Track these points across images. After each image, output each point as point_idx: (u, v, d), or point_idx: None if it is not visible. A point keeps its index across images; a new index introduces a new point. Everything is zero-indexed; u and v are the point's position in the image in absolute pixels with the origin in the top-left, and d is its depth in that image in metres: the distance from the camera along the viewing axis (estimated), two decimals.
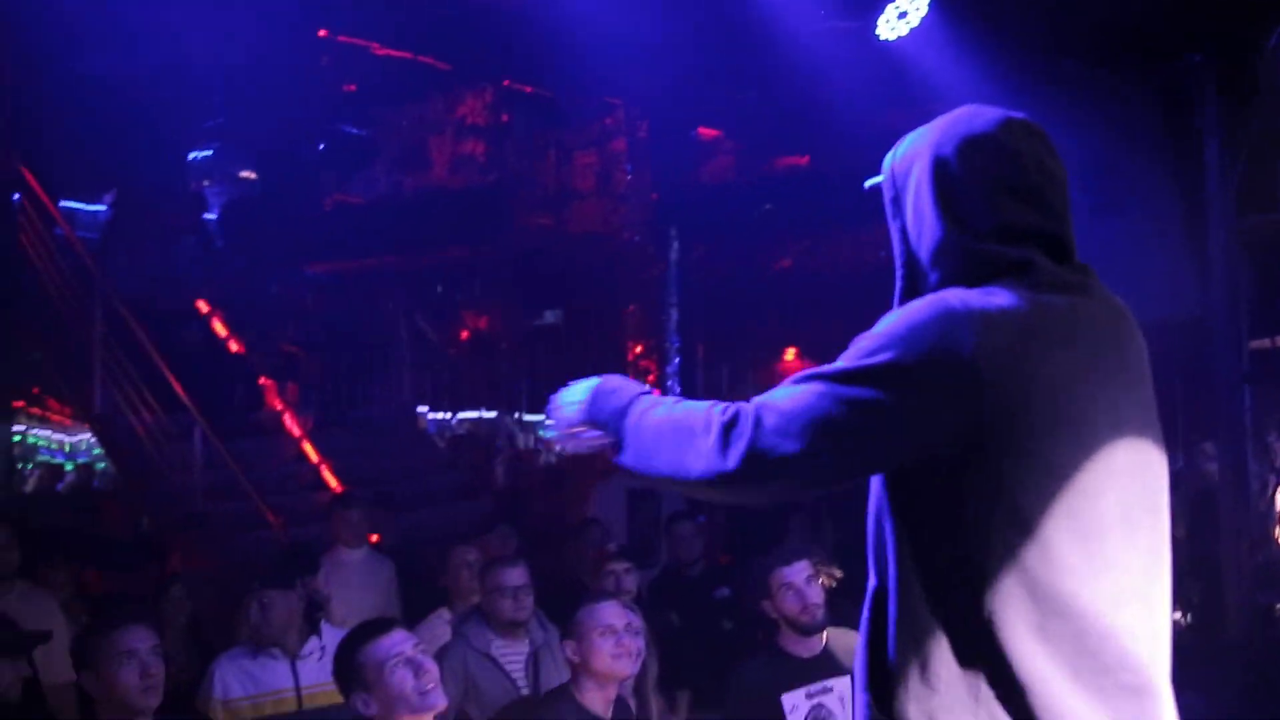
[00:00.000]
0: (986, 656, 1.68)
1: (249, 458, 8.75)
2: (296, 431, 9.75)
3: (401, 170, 12.94)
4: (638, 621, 4.23)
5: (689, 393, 9.85)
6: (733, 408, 1.73)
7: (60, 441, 13.19)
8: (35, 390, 11.35)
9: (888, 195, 1.95)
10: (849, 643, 4.06)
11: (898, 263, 1.95)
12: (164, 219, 10.23)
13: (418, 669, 2.91)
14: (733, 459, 1.69)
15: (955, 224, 1.84)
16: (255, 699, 4.00)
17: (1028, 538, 1.68)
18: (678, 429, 1.76)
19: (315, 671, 4.09)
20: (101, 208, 11.72)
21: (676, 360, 9.68)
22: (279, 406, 9.96)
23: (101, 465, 11.77)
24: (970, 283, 1.79)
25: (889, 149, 1.99)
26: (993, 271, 1.80)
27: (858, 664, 1.85)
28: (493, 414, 13.21)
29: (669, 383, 9.80)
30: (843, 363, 1.73)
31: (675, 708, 4.94)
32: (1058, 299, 1.78)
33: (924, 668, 1.72)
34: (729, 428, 1.71)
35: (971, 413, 1.67)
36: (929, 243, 1.88)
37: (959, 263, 1.84)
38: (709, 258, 10.88)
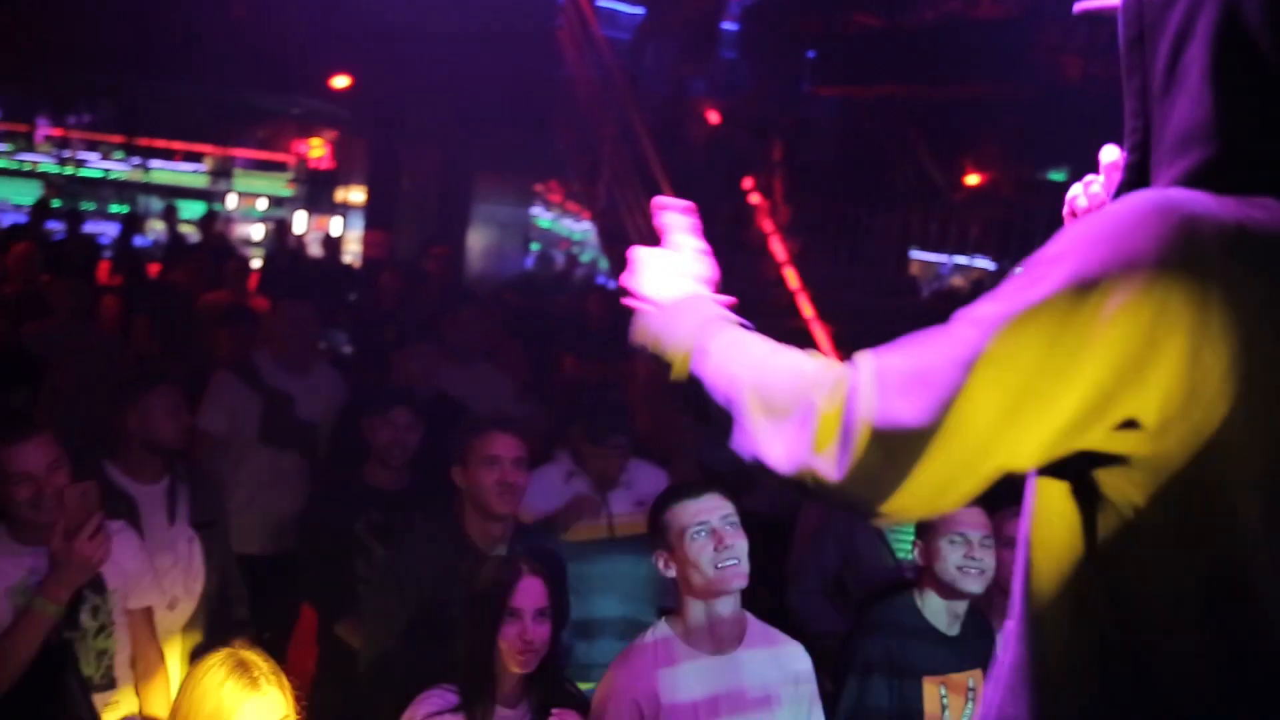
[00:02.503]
0: None
1: (728, 271, 8.78)
2: (781, 255, 9.70)
3: None
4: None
5: None
6: None
7: (580, 230, 14.16)
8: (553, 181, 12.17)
9: (1127, 32, 1.30)
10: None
11: (1126, 139, 1.32)
12: (683, 20, 10.30)
13: (719, 540, 2.71)
14: None
15: (1235, 103, 1.21)
16: None
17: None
18: None
19: None
20: (640, 10, 12.03)
21: None
22: (768, 228, 9.92)
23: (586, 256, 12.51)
24: (1221, 187, 1.18)
25: None
26: (1254, 180, 1.18)
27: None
28: (992, 267, 12.39)
29: None
30: None
31: None
32: None
33: None
34: None
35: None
36: (1184, 118, 1.25)
37: (1214, 155, 1.21)
38: None
